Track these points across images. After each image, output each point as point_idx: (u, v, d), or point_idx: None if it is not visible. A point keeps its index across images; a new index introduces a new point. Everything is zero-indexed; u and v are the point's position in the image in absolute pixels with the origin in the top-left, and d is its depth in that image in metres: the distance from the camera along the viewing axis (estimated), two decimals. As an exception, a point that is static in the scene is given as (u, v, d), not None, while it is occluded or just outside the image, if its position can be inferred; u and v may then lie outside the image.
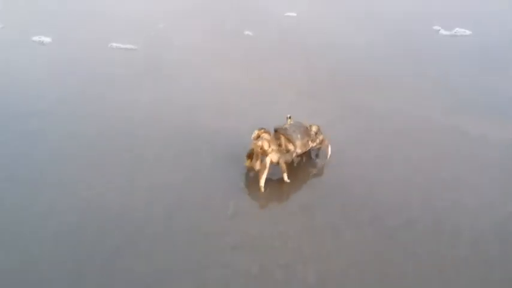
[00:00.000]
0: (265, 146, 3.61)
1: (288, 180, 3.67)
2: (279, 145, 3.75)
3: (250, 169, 3.70)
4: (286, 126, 3.85)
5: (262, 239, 3.05)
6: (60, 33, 6.64)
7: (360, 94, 5.08)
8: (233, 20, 7.20)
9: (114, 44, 6.23)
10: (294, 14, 7.47)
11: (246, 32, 6.76)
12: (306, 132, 3.89)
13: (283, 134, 3.77)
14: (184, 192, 3.49)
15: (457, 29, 6.93)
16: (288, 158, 3.75)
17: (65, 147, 4.03)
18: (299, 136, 3.82)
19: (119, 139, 4.12)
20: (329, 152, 4.02)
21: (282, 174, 3.68)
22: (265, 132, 3.71)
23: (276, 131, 3.80)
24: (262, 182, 3.57)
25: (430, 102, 4.92)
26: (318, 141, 3.97)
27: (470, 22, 7.12)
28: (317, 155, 4.09)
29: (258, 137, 3.66)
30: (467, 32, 6.86)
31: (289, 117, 3.95)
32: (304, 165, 3.92)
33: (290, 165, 3.76)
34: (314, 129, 3.97)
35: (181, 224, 3.17)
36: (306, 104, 4.70)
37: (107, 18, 7.31)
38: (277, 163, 3.65)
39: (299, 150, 3.83)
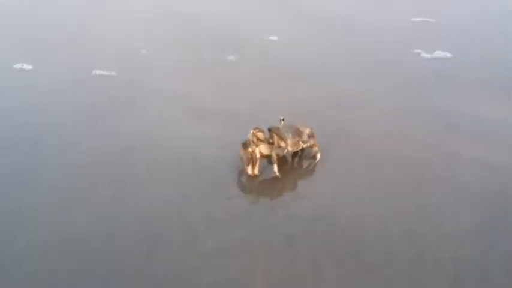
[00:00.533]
0: (261, 137, 4.18)
1: (278, 174, 4.18)
2: (272, 143, 4.28)
3: (242, 159, 4.16)
4: (280, 126, 4.36)
5: (242, 277, 3.06)
6: (42, 60, 6.65)
7: (342, 117, 5.16)
8: (216, 45, 7.24)
9: (97, 71, 6.25)
10: (275, 38, 7.56)
11: (229, 57, 6.83)
12: (297, 132, 4.44)
13: (276, 133, 4.31)
14: (165, 225, 3.51)
15: (438, 51, 7.07)
16: (280, 152, 4.30)
17: (47, 176, 4.03)
18: (290, 135, 4.38)
19: (101, 170, 4.14)
20: (318, 157, 4.47)
21: (273, 166, 4.16)
22: (260, 131, 4.21)
23: (269, 130, 4.32)
24: (256, 170, 4.14)
25: (411, 125, 5.02)
26: (309, 143, 4.47)
27: (451, 45, 7.27)
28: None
29: (254, 135, 4.14)
30: (448, 55, 7.01)
31: (283, 119, 4.43)
32: (284, 195, 3.98)
33: (274, 189, 3.97)
34: (307, 131, 4.48)
35: (161, 259, 3.18)
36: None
37: (90, 45, 7.31)
38: (269, 155, 4.21)
39: (290, 148, 4.37)
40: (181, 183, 3.97)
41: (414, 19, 8.56)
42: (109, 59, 6.57)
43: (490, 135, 4.88)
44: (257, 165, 4.13)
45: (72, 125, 4.93)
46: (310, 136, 4.50)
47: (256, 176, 4.12)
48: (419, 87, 6.06)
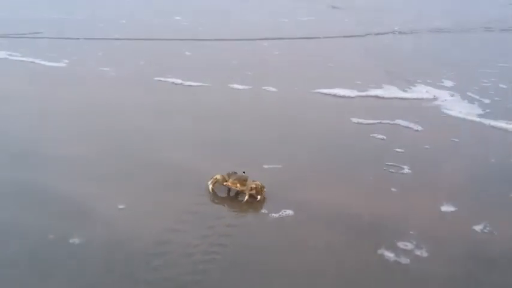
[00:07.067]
0: (218, 176, 7.90)
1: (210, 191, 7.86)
2: (225, 179, 7.79)
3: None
4: (237, 173, 7.86)
5: None
6: None
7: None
8: (56, 225, 7.14)
9: None
10: (122, 206, 7.67)
11: (72, 240, 6.80)
12: (241, 179, 7.76)
13: (228, 174, 7.86)
14: None
15: (283, 210, 7.64)
16: (221, 181, 7.88)
17: None
18: (234, 178, 7.77)
19: None
20: (245, 197, 7.79)
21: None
22: (223, 175, 7.91)
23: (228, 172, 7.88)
24: (210, 187, 7.91)
25: None
26: (245, 188, 7.69)
27: (294, 204, 7.88)
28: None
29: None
30: (290, 212, 7.59)
31: (244, 172, 7.85)
32: None
33: None
34: (253, 185, 7.67)
35: None
36: None
37: None
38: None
39: (230, 184, 7.82)
40: None
41: (265, 166, 9.13)
42: None
43: None
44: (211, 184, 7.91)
45: None
46: (255, 187, 7.66)
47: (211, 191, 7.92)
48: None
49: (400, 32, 22.79)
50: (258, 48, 19.58)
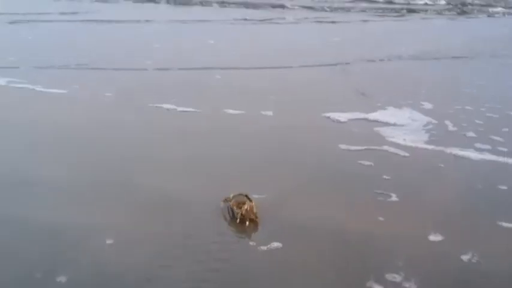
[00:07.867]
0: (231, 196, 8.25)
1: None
2: (229, 199, 8.18)
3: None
4: (241, 195, 8.23)
5: None
6: None
7: None
8: (42, 262, 7.07)
9: None
10: (111, 241, 7.63)
11: (59, 279, 6.74)
12: (238, 201, 8.09)
13: (234, 195, 8.24)
14: None
15: (271, 243, 7.63)
16: (228, 200, 8.27)
17: None
18: (235, 200, 8.14)
19: None
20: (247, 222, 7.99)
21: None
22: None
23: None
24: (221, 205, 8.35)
25: None
26: (240, 210, 7.93)
27: (282, 235, 7.86)
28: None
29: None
30: (279, 245, 7.58)
31: (246, 195, 8.20)
32: None
33: None
34: (246, 206, 7.92)
35: None
36: None
37: None
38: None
39: (231, 204, 8.21)
40: None
41: (254, 196, 9.08)
42: None
43: None
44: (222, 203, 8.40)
45: None
46: (246, 209, 7.88)
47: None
48: None
49: (389, 59, 22.80)
50: (280, 74, 19.17)
